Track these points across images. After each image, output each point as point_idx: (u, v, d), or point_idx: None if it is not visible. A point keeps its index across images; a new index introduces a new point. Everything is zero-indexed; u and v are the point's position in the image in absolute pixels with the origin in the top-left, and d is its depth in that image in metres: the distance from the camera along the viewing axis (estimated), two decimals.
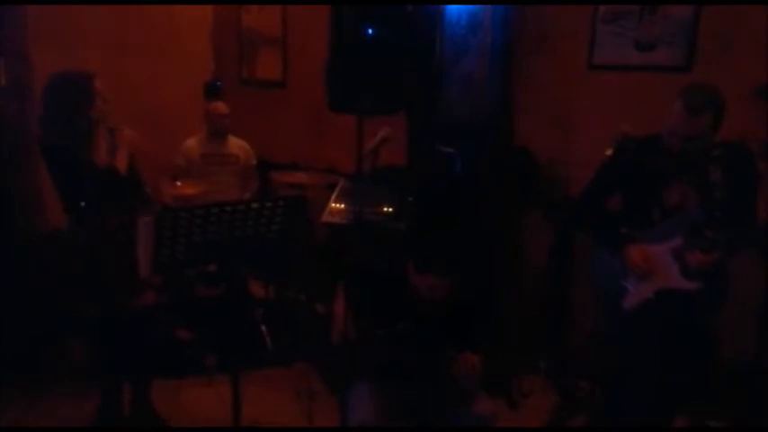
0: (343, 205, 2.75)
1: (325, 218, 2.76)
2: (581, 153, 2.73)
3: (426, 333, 1.93)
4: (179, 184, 2.99)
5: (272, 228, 1.85)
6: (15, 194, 2.97)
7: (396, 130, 2.69)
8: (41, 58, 2.96)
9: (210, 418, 2.45)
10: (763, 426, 2.36)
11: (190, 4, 3.78)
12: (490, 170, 2.87)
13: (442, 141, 2.85)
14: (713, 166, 1.90)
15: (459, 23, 2.84)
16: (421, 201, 2.74)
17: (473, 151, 2.83)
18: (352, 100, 2.10)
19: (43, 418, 2.42)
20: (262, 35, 3.97)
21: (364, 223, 2.54)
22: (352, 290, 2.03)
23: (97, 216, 2.13)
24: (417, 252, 1.98)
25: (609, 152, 2.21)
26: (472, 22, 2.82)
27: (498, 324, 2.63)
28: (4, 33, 2.98)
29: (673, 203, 1.97)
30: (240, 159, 3.39)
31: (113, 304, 2.19)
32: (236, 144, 3.40)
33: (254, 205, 1.81)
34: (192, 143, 3.33)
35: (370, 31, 2.08)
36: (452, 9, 2.82)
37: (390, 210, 2.68)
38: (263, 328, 3.01)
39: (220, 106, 3.35)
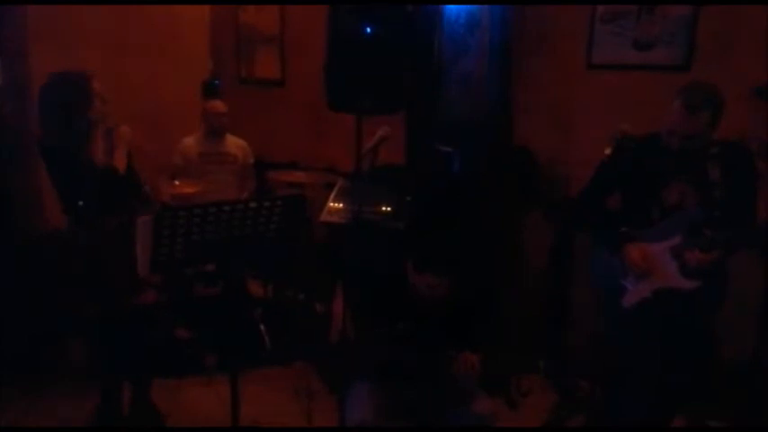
0: (341, 204, 2.75)
1: (324, 217, 2.76)
2: (580, 152, 2.73)
3: (425, 332, 1.93)
4: (177, 183, 2.99)
5: (271, 227, 1.85)
6: (15, 194, 2.97)
7: (395, 129, 2.69)
8: (41, 58, 2.95)
9: (210, 417, 2.45)
10: (763, 426, 2.36)
11: (189, 4, 3.78)
12: (489, 170, 2.87)
13: (441, 140, 2.85)
14: (712, 165, 1.90)
15: (458, 22, 2.84)
16: (420, 200, 2.74)
17: (472, 150, 2.83)
18: (351, 99, 2.10)
19: (43, 418, 2.42)
20: (260, 34, 3.96)
21: (363, 222, 2.54)
22: (351, 289, 2.03)
23: (96, 216, 2.13)
24: (416, 251, 1.98)
25: (608, 151, 2.21)
26: (470, 21, 2.82)
27: (498, 324, 2.62)
28: (4, 33, 2.98)
29: (672, 202, 1.97)
30: (238, 158, 3.38)
31: (113, 304, 2.19)
32: (234, 143, 3.40)
33: (253, 204, 1.81)
34: (189, 142, 3.33)
35: (368, 30, 2.09)
36: (451, 8, 2.82)
37: (389, 209, 2.68)
38: (262, 327, 3.01)
39: (218, 105, 3.34)
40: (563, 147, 2.91)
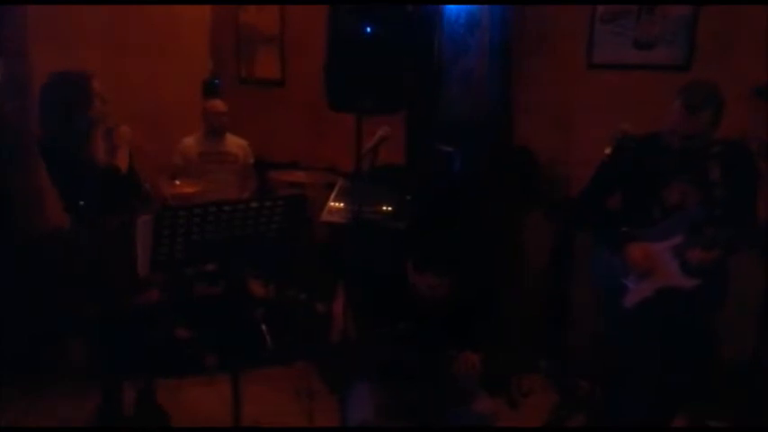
0: (342, 204, 2.75)
1: (325, 217, 2.76)
2: (581, 152, 2.73)
3: (426, 332, 1.93)
4: (177, 182, 2.99)
5: (272, 227, 1.85)
6: (15, 194, 2.97)
7: (395, 129, 2.69)
8: (41, 58, 2.95)
9: (211, 417, 2.45)
10: (763, 426, 2.36)
11: (189, 4, 3.78)
12: (490, 169, 2.87)
13: (441, 140, 2.85)
14: (713, 164, 1.90)
15: (458, 22, 2.84)
16: (420, 200, 2.74)
17: (472, 150, 2.83)
18: (351, 99, 2.10)
19: (43, 418, 2.42)
20: (260, 34, 3.96)
21: (364, 222, 2.53)
22: (352, 289, 2.03)
23: (97, 215, 2.13)
24: (417, 251, 1.98)
25: (608, 151, 2.21)
26: (471, 21, 2.82)
27: (499, 323, 2.63)
28: (4, 33, 2.97)
29: (673, 202, 1.97)
30: (238, 158, 3.38)
31: (114, 304, 2.19)
32: (234, 142, 3.40)
33: (254, 204, 1.82)
34: (189, 141, 3.33)
35: (368, 30, 2.09)
36: (451, 8, 2.82)
37: (390, 209, 2.68)
38: (264, 327, 3.01)
39: (218, 104, 3.34)
40: (563, 146, 2.91)
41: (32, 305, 2.70)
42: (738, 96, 2.15)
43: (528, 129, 2.98)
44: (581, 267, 2.71)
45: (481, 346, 1.95)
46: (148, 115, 3.27)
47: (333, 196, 2.80)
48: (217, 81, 3.92)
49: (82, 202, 2.10)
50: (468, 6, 2.81)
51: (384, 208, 2.68)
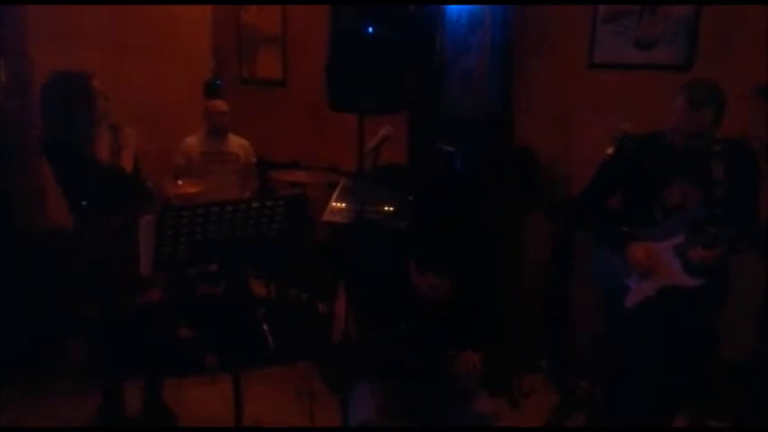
0: (344, 204, 2.75)
1: (326, 217, 2.76)
2: (582, 152, 2.73)
3: (427, 332, 1.93)
4: (180, 182, 2.99)
5: (273, 227, 1.85)
6: (16, 193, 2.97)
7: (397, 128, 2.69)
8: (42, 58, 2.96)
9: (212, 417, 2.45)
10: (763, 426, 2.36)
11: (189, 4, 3.78)
12: (491, 169, 2.87)
13: (442, 140, 2.85)
14: (714, 163, 1.90)
15: (460, 22, 2.84)
16: (422, 199, 2.74)
17: (474, 150, 2.83)
18: (352, 99, 2.10)
19: (43, 418, 2.42)
20: (261, 34, 3.96)
21: (365, 222, 2.53)
22: (353, 289, 2.03)
23: (101, 215, 2.13)
24: (418, 251, 1.98)
25: (609, 151, 2.21)
26: (472, 21, 2.82)
27: (499, 323, 2.63)
28: (5, 33, 2.97)
29: (674, 202, 1.97)
30: (240, 158, 3.38)
31: (115, 303, 2.19)
32: (236, 142, 3.40)
33: (255, 204, 1.81)
34: (192, 141, 3.33)
35: (370, 29, 2.09)
36: (452, 8, 2.82)
37: (391, 209, 2.67)
38: (265, 327, 3.01)
39: (220, 104, 3.34)
40: (564, 146, 2.91)
41: (32, 305, 2.70)
42: (739, 96, 2.15)
43: (529, 128, 2.98)
44: (581, 267, 2.71)
45: (482, 345, 1.95)
46: (149, 115, 3.27)
47: (335, 196, 2.80)
48: (218, 81, 3.92)
49: (84, 203, 2.10)
50: (470, 6, 2.81)
51: (386, 208, 2.67)
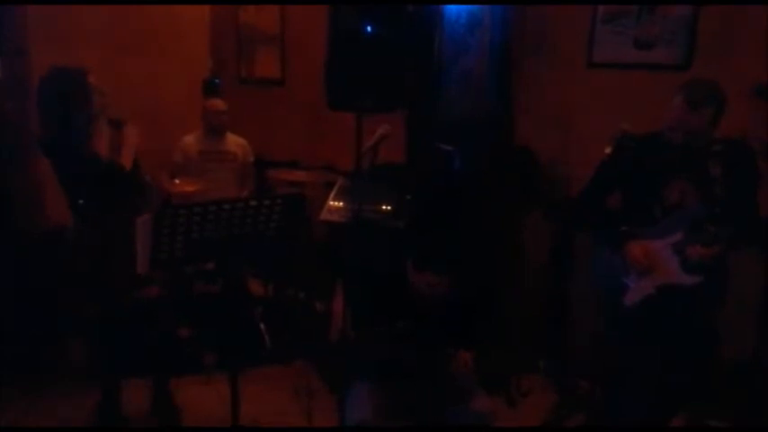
0: (341, 203, 2.75)
1: (324, 216, 2.76)
2: (581, 152, 2.72)
3: (425, 331, 1.93)
4: (177, 181, 2.99)
5: (271, 225, 1.85)
6: (15, 193, 2.97)
7: (395, 127, 2.69)
8: (41, 58, 2.95)
9: (209, 416, 2.45)
10: (763, 426, 2.35)
11: (189, 4, 3.78)
12: (490, 169, 2.87)
13: (441, 139, 2.85)
14: (713, 162, 1.90)
15: (459, 22, 2.84)
16: (420, 199, 2.74)
17: (473, 149, 2.83)
18: (351, 98, 2.11)
19: (43, 418, 2.42)
20: (260, 33, 3.97)
21: (363, 221, 2.53)
22: (351, 288, 2.03)
23: (100, 213, 2.13)
24: (416, 250, 1.98)
25: (608, 150, 2.21)
26: (471, 20, 2.82)
27: (498, 323, 2.62)
28: (4, 33, 2.98)
29: (673, 201, 1.97)
30: (238, 156, 3.38)
31: (114, 302, 2.19)
32: (234, 141, 3.40)
33: (253, 203, 1.81)
34: (189, 140, 3.33)
35: (369, 29, 2.09)
36: (451, 8, 2.82)
37: (389, 208, 2.68)
38: (262, 326, 3.01)
39: (218, 103, 3.35)
40: (563, 146, 2.91)
41: (32, 305, 2.70)
42: (738, 96, 2.14)
43: (528, 128, 2.98)
44: (581, 267, 2.71)
45: (476, 344, 1.94)
46: (148, 114, 3.27)
47: (332, 195, 2.80)
48: (217, 80, 3.93)
49: (81, 201, 2.10)
50: (469, 6, 2.81)
51: (384, 207, 2.68)
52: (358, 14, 2.09)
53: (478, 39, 2.81)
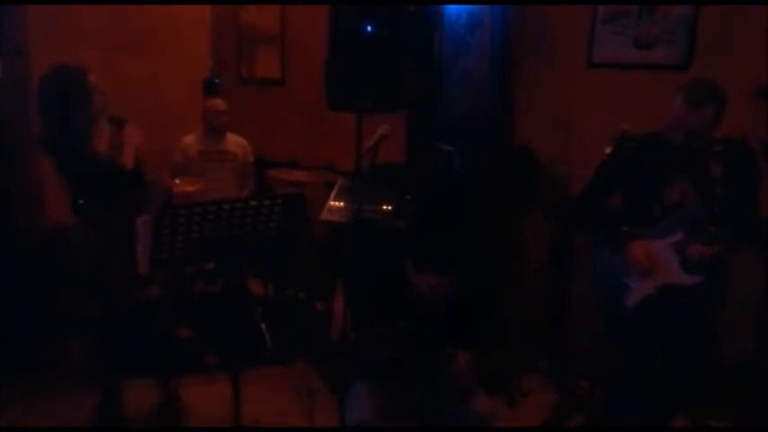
0: (342, 203, 2.75)
1: (324, 216, 2.76)
2: (581, 152, 2.73)
3: (426, 331, 1.93)
4: (177, 181, 2.99)
5: (271, 225, 1.85)
6: (15, 193, 2.97)
7: (395, 127, 2.69)
8: (41, 58, 2.95)
9: (210, 416, 2.45)
10: (763, 426, 2.35)
11: (189, 4, 3.78)
12: (490, 169, 2.87)
13: (441, 139, 2.85)
14: (714, 163, 1.90)
15: (459, 22, 2.84)
16: (420, 199, 2.74)
17: (473, 149, 2.83)
18: (351, 98, 2.11)
19: (43, 418, 2.42)
20: (261, 33, 3.97)
21: (363, 221, 2.53)
22: (351, 288, 2.03)
23: (102, 212, 2.13)
24: (417, 250, 1.98)
25: (608, 150, 2.21)
26: (471, 20, 2.82)
27: (498, 323, 2.62)
28: (4, 33, 2.98)
29: (673, 201, 1.97)
30: (238, 156, 3.39)
31: (115, 302, 2.19)
32: (234, 141, 3.40)
33: (253, 203, 1.81)
34: (190, 140, 3.33)
35: (369, 29, 2.09)
36: (452, 8, 2.82)
37: (390, 208, 2.68)
38: (263, 326, 3.01)
39: (218, 103, 3.35)
40: (564, 146, 2.91)
41: (32, 305, 2.70)
42: (738, 96, 2.14)
43: (528, 128, 2.98)
44: (581, 267, 2.71)
45: (474, 344, 1.94)
46: (148, 114, 3.27)
47: (333, 195, 2.80)
48: (217, 80, 3.93)
49: (81, 201, 2.10)
50: (469, 6, 2.81)
51: (384, 207, 2.68)
52: (358, 14, 2.09)
53: (479, 39, 2.82)
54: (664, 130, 1.93)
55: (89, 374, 2.46)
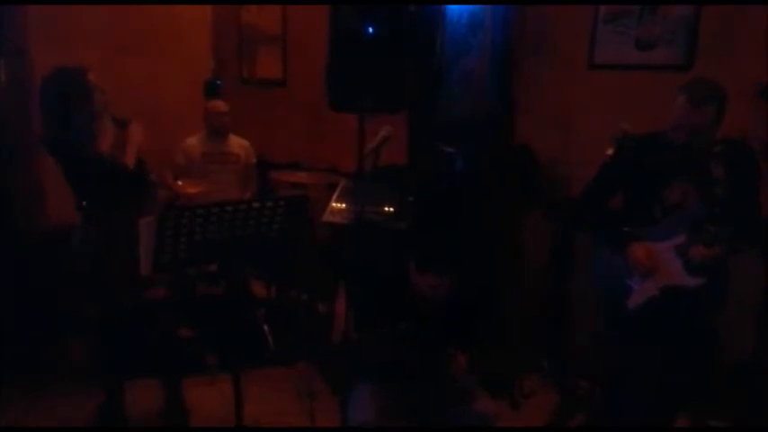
0: (344, 205, 2.75)
1: (327, 217, 2.76)
2: (582, 152, 2.73)
3: (427, 332, 1.93)
4: (180, 183, 2.99)
5: (273, 227, 1.85)
6: (16, 193, 2.97)
7: (397, 128, 2.69)
8: (41, 58, 2.95)
9: (212, 417, 2.45)
10: (763, 426, 2.36)
11: (190, 4, 3.78)
12: (491, 169, 2.87)
13: (442, 140, 2.85)
14: (715, 163, 1.90)
15: (460, 23, 2.85)
16: (422, 200, 2.74)
17: (474, 150, 2.83)
18: (352, 99, 2.10)
19: (43, 418, 2.42)
20: (262, 34, 3.96)
21: (365, 223, 2.54)
22: (353, 290, 2.03)
23: (105, 212, 2.13)
24: (418, 251, 1.98)
25: (609, 151, 2.21)
26: (472, 21, 2.83)
27: (499, 324, 2.63)
28: (5, 33, 2.98)
29: (674, 201, 1.97)
30: (241, 158, 3.38)
31: (115, 303, 2.19)
32: (236, 143, 3.40)
33: (255, 205, 1.82)
34: (192, 142, 3.33)
35: (370, 29, 2.08)
36: (453, 8, 2.82)
37: (391, 209, 2.68)
38: (265, 327, 3.01)
39: (219, 105, 3.34)
40: (564, 146, 2.91)
41: (32, 305, 2.70)
42: (739, 96, 2.15)
43: (529, 128, 2.98)
44: (581, 267, 2.71)
45: (476, 345, 1.94)
46: (149, 115, 3.25)
47: (335, 197, 2.80)
48: (218, 81, 3.92)
49: (84, 203, 2.10)
50: (470, 6, 2.81)
51: (386, 208, 2.68)
52: (359, 14, 2.08)
53: (480, 39, 2.82)
54: (666, 130, 1.94)
55: (89, 374, 2.47)
